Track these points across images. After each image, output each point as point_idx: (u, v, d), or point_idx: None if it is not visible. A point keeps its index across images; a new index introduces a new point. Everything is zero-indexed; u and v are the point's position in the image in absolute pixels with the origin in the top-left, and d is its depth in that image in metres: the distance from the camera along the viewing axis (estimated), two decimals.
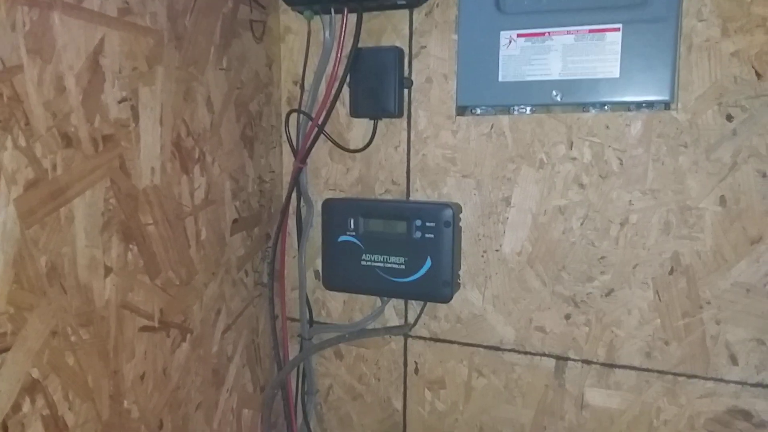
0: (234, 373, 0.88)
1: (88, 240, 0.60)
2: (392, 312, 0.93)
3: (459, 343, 0.89)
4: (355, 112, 0.88)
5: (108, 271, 0.63)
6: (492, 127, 0.82)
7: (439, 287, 0.82)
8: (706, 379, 0.77)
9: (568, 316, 0.82)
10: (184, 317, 0.76)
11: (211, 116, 0.79)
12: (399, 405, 0.95)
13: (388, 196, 0.90)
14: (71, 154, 0.57)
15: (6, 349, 0.52)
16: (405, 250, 0.83)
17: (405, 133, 0.87)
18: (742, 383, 0.75)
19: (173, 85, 0.71)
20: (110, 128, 0.62)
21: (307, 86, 0.91)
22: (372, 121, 0.88)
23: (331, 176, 0.93)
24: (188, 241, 0.76)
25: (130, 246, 0.66)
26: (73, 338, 0.59)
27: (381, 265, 0.85)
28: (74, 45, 0.57)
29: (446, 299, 0.83)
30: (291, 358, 0.99)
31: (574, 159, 0.79)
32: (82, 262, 0.60)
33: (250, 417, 0.94)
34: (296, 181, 0.92)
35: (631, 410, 0.81)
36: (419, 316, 0.89)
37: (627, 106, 0.76)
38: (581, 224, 0.80)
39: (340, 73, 0.86)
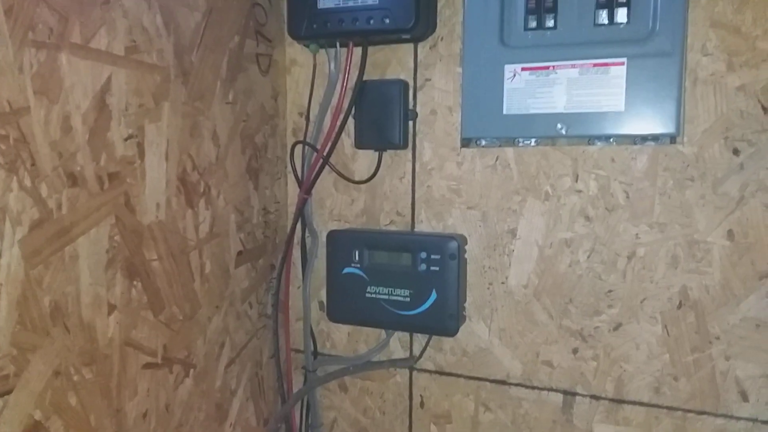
0: (237, 407, 0.87)
1: (92, 278, 0.60)
2: (397, 344, 0.92)
3: (465, 377, 0.88)
4: (360, 143, 0.88)
5: (112, 308, 0.63)
6: (497, 159, 0.82)
7: (444, 320, 0.82)
8: (716, 415, 0.75)
9: (575, 351, 0.81)
10: (187, 352, 0.76)
11: (216, 149, 0.79)
12: None
13: (393, 227, 0.90)
14: (76, 192, 0.57)
15: (8, 392, 0.52)
16: (410, 282, 0.83)
17: (410, 165, 0.87)
18: (753, 420, 0.74)
19: (179, 121, 0.71)
20: (116, 166, 0.62)
21: (312, 118, 0.92)
22: (377, 153, 0.88)
23: (335, 207, 0.93)
24: (192, 276, 0.76)
25: (134, 282, 0.66)
26: (75, 378, 0.59)
27: (386, 297, 0.84)
28: (81, 85, 0.57)
29: (452, 333, 0.82)
30: (295, 390, 0.98)
31: (580, 191, 0.79)
32: (86, 301, 0.59)
33: None
34: (301, 212, 0.92)
35: None
36: (424, 349, 0.88)
37: (632, 140, 0.76)
38: (588, 257, 0.79)
39: (346, 105, 0.86)
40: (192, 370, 0.77)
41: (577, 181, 0.79)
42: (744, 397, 0.74)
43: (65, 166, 0.56)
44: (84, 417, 0.60)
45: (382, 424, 0.95)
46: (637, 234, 0.76)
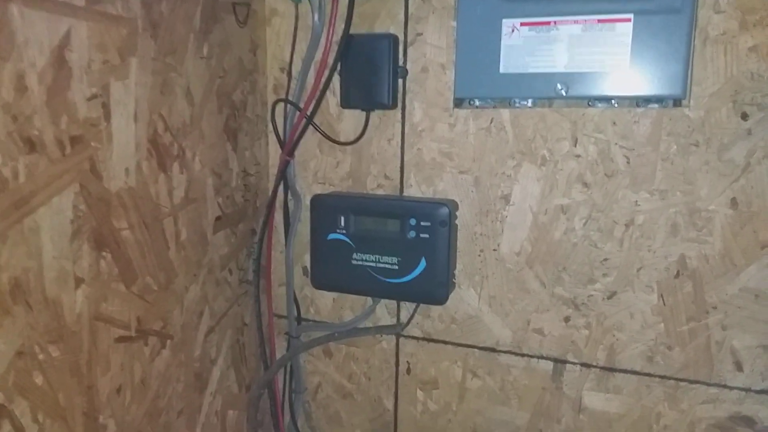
0: (218, 376, 0.85)
1: (56, 251, 0.55)
2: (384, 311, 0.89)
3: (453, 344, 0.86)
4: (346, 102, 0.83)
5: (79, 282, 0.58)
6: (492, 121, 0.78)
7: (434, 289, 0.79)
8: (709, 384, 0.74)
9: (567, 319, 0.79)
10: (163, 323, 0.72)
11: (190, 109, 0.73)
12: (390, 404, 0.92)
13: (380, 192, 0.85)
14: (35, 159, 0.52)
15: None
16: (398, 249, 0.79)
17: (399, 126, 0.82)
18: (746, 390, 0.73)
19: (149, 78, 0.65)
20: (79, 128, 0.56)
21: (294, 74, 0.86)
22: (364, 113, 0.83)
23: (320, 169, 0.88)
24: (167, 243, 0.71)
25: (103, 253, 0.62)
26: (41, 356, 0.55)
27: (373, 265, 0.81)
28: (36, 40, 0.51)
29: (441, 301, 0.80)
30: (278, 356, 0.95)
31: (579, 156, 0.75)
32: (49, 276, 0.55)
33: (236, 418, 0.90)
34: (283, 175, 0.87)
35: (631, 415, 0.78)
36: (412, 316, 0.85)
37: (636, 102, 0.71)
38: (584, 224, 0.76)
39: (331, 60, 0.80)
40: (169, 341, 0.73)
41: (576, 145, 0.75)
42: (738, 366, 0.72)
43: (21, 130, 0.50)
44: (52, 396, 0.57)
45: (368, 389, 0.93)
46: (636, 201, 0.73)
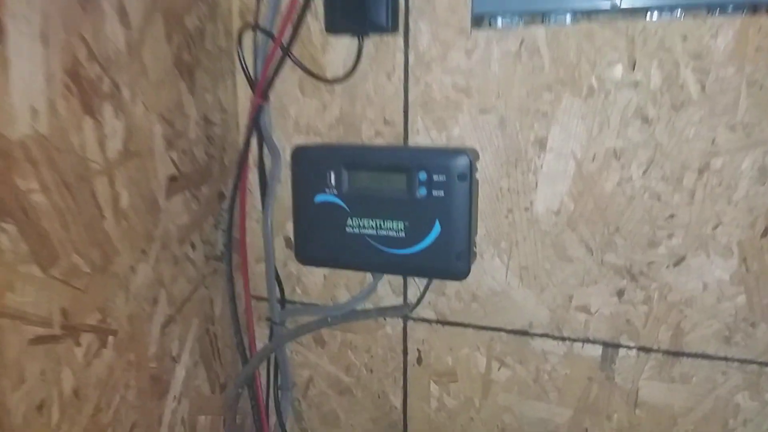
0: (183, 376, 0.68)
1: None
2: (387, 288, 0.72)
3: (475, 327, 0.70)
4: (332, 26, 0.65)
5: None
6: (522, 44, 0.60)
7: (451, 260, 0.62)
8: None
9: (621, 293, 0.63)
10: (101, 315, 0.55)
11: (126, 33, 0.55)
12: (398, 401, 0.76)
13: (380, 142, 0.68)
14: None
15: None
16: (405, 212, 0.62)
17: (401, 56, 0.65)
18: None
19: None
20: None
21: None
22: (356, 39, 0.65)
23: (302, 115, 0.70)
24: (101, 211, 0.54)
25: (4, 225, 0.44)
26: None
27: (373, 232, 0.64)
28: None
29: (461, 275, 0.63)
30: (259, 347, 0.79)
31: (637, 84, 0.58)
32: None
33: (209, 424, 0.74)
34: (256, 123, 0.69)
35: (700, 408, 0.63)
36: (423, 295, 0.69)
37: (714, 8, 0.54)
38: (644, 172, 0.59)
39: None
40: (111, 338, 0.56)
41: (633, 70, 0.57)
42: None
43: None
44: None
45: (370, 384, 0.77)
46: (713, 139, 0.56)
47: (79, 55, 0.50)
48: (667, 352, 0.63)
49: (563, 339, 0.66)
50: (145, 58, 0.58)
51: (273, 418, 0.81)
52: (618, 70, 0.58)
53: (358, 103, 0.67)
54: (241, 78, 0.71)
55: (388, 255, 0.64)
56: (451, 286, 0.69)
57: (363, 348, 0.76)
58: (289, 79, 0.69)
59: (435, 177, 0.60)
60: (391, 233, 0.63)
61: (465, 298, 0.69)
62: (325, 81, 0.68)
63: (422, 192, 0.61)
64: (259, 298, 0.78)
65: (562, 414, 0.68)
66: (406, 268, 0.65)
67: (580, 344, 0.66)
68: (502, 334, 0.69)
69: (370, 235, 0.64)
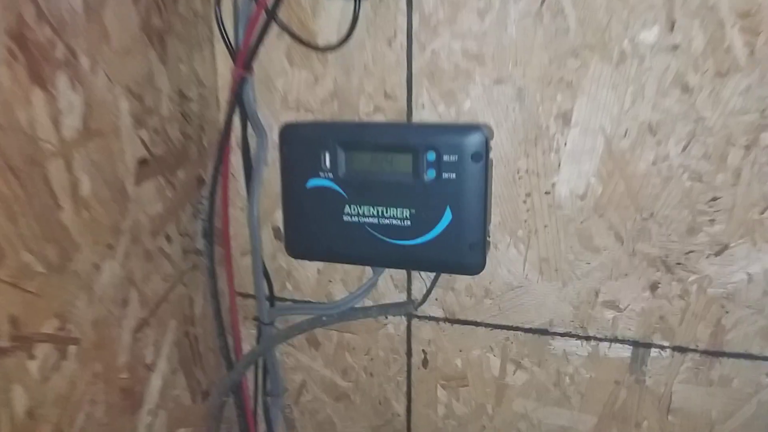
0: (159, 386, 0.60)
1: None
2: (389, 284, 0.65)
3: (487, 325, 0.62)
4: None
5: None
6: (543, 3, 0.52)
7: (463, 252, 0.55)
8: None
9: (655, 286, 0.56)
10: (60, 322, 0.47)
11: None
12: (401, 408, 0.69)
13: (380, 118, 0.60)
14: None
15: None
16: (411, 198, 0.54)
17: (403, 19, 0.56)
18: None
19: None
20: None
21: None
22: (351, 1, 0.57)
23: (291, 89, 0.62)
24: (56, 200, 0.45)
25: None
26: None
27: (374, 221, 0.56)
28: None
29: (475, 268, 0.56)
30: (246, 349, 0.71)
31: (676, 48, 0.50)
32: None
33: None
34: (239, 98, 0.61)
35: (741, 414, 0.57)
36: (430, 289, 0.61)
37: None
38: (683, 149, 0.52)
39: None
40: (73, 348, 0.48)
41: (672, 31, 0.50)
42: None
43: None
44: None
45: (370, 388, 0.70)
46: (763, 111, 0.49)
47: (26, 15, 0.42)
48: (705, 352, 0.56)
49: (588, 338, 0.59)
50: (106, 20, 0.49)
51: (262, 427, 0.73)
52: (654, 32, 0.50)
53: (354, 74, 0.59)
54: (220, 47, 0.63)
55: (392, 246, 0.56)
56: (461, 280, 0.62)
57: (362, 349, 0.68)
58: (275, 47, 0.61)
59: (445, 157, 0.53)
60: (395, 222, 0.55)
61: (477, 293, 0.62)
62: (317, 49, 0.60)
63: (431, 174, 0.53)
64: (245, 296, 0.70)
65: (586, 422, 0.62)
66: (412, 261, 0.57)
67: (606, 344, 0.59)
68: (519, 333, 0.61)
69: (370, 225, 0.56)
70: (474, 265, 0.55)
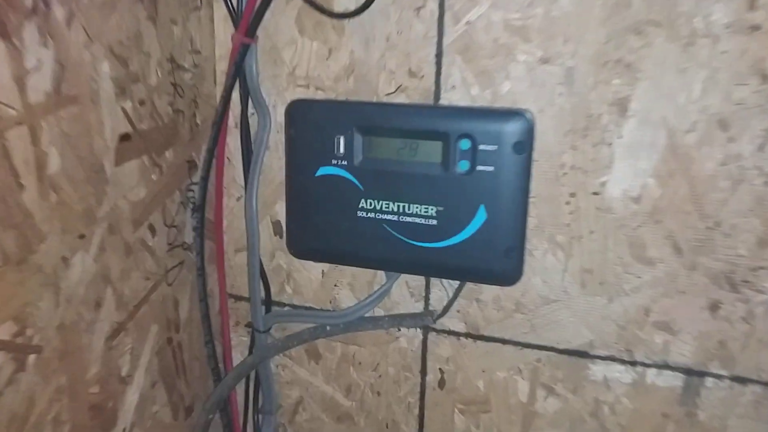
0: (135, 401, 0.52)
1: None
2: (404, 291, 0.57)
3: (516, 343, 0.55)
4: None
5: None
6: None
7: (498, 258, 0.47)
8: None
9: (715, 306, 0.48)
10: (18, 327, 0.38)
11: None
12: None
13: (402, 99, 0.52)
14: None
15: None
16: (439, 193, 0.47)
17: None
18: None
19: None
20: None
21: None
22: None
23: (301, 62, 0.54)
24: (18, 179, 0.37)
25: None
26: None
27: (393, 218, 0.48)
28: None
29: (511, 278, 0.48)
30: (236, 361, 0.63)
31: (757, 29, 0.43)
32: None
33: None
34: (239, 70, 0.53)
35: None
36: (453, 299, 0.53)
37: None
38: (759, 148, 0.45)
39: None
40: (33, 357, 0.40)
41: (752, 8, 0.43)
42: None
43: None
44: None
45: (376, 409, 0.62)
46: None
47: None
48: None
49: (633, 363, 0.52)
50: None
51: None
52: (731, 7, 0.43)
53: (374, 47, 0.52)
54: (220, 9, 0.55)
55: (413, 249, 0.49)
56: (489, 290, 0.54)
57: (369, 365, 0.60)
58: (283, 13, 0.53)
59: (482, 146, 0.45)
60: (419, 220, 0.48)
61: (506, 306, 0.54)
62: (332, 16, 0.52)
63: (463, 166, 0.46)
64: (238, 298, 0.63)
65: None
66: (436, 266, 0.50)
67: (655, 371, 0.51)
68: (553, 354, 0.54)
69: (389, 223, 0.49)
70: (509, 274, 0.48)
